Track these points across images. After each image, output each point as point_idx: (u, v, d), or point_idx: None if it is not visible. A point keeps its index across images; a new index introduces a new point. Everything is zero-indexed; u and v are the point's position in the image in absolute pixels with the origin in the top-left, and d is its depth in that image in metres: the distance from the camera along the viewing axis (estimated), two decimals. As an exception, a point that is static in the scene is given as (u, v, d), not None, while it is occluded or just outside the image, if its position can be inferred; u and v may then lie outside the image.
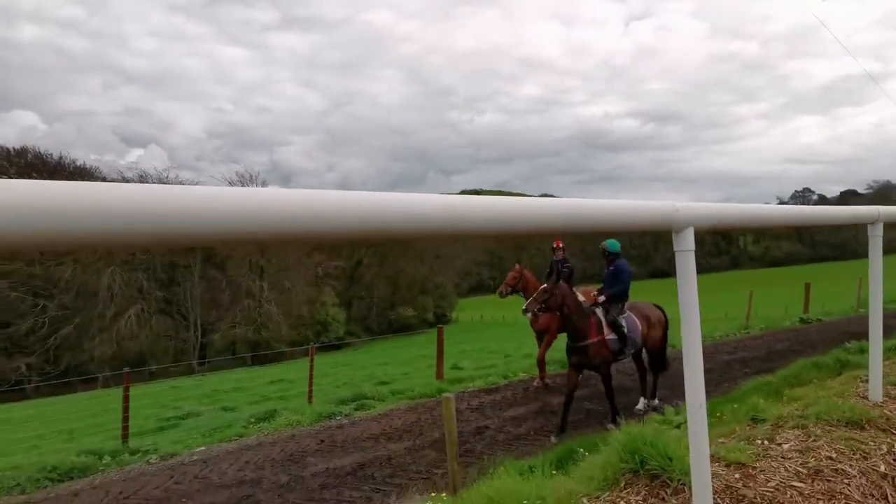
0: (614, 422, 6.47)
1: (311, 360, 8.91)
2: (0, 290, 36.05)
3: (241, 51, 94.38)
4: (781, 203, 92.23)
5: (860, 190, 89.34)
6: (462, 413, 6.87)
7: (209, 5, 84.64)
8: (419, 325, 55.76)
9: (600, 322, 6.91)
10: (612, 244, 7.47)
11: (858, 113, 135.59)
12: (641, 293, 8.10)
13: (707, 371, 2.19)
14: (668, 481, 2.13)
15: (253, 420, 6.98)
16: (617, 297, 7.14)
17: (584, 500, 2.15)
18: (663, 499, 2.09)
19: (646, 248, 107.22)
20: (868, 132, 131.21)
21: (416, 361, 15.21)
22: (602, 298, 7.09)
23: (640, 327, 7.23)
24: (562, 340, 7.82)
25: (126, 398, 6.61)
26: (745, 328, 12.77)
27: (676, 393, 6.84)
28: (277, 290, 44.02)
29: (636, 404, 7.26)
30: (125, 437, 6.48)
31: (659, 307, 7.75)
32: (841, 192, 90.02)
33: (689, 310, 1.98)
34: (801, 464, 2.26)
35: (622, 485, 2.18)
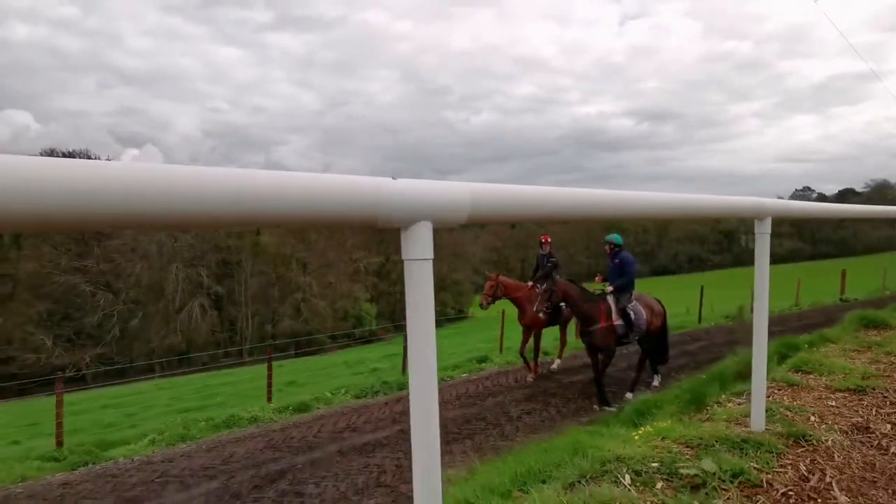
0: (599, 404, 7.08)
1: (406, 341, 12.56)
2: (75, 284, 40.26)
3: (236, 50, 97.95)
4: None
5: (858, 188, 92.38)
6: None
7: (205, 5, 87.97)
8: (441, 320, 59.72)
9: (610, 309, 7.29)
10: (617, 237, 7.69)
11: (852, 112, 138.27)
12: (646, 289, 9.01)
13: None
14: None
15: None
16: (624, 287, 7.42)
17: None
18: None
19: (650, 245, 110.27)
20: (861, 131, 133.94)
21: (465, 345, 17.53)
22: (610, 289, 7.44)
23: (646, 316, 7.55)
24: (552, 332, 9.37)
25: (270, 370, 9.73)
26: (795, 305, 16.61)
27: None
28: (321, 285, 48.17)
29: (652, 381, 7.84)
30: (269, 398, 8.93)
31: (658, 300, 8.11)
32: (839, 191, 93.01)
33: (762, 278, 2.69)
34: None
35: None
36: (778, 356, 4.49)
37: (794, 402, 3.22)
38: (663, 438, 2.76)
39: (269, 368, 9.11)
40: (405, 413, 7.21)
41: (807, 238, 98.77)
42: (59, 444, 6.69)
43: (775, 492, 2.16)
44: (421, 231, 1.19)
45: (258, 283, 46.13)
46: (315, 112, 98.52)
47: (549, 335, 10.01)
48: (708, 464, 2.33)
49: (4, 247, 42.92)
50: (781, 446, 2.53)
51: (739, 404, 3.33)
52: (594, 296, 7.40)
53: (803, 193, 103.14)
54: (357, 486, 5.04)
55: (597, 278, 8.02)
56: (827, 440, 2.63)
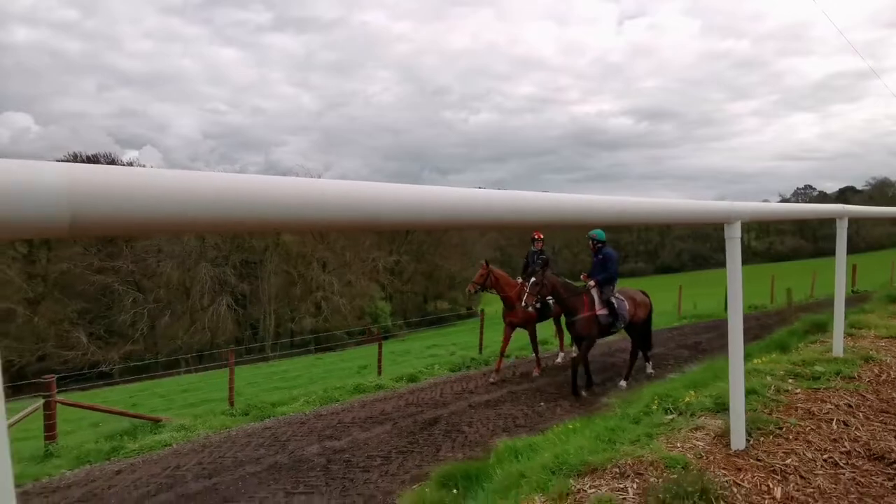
0: (583, 389, 7.57)
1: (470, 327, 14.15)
2: (107, 283, 41.77)
3: (235, 52, 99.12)
4: (783, 200, 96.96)
5: (858, 186, 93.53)
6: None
7: (204, 7, 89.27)
8: (451, 317, 61.18)
9: (593, 300, 7.70)
10: (600, 233, 8.09)
11: (850, 109, 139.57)
12: (649, 287, 9.56)
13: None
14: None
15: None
16: (607, 280, 7.85)
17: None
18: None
19: (653, 244, 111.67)
20: (860, 128, 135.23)
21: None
22: (592, 283, 7.85)
23: (628, 307, 8.00)
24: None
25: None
26: (811, 296, 18.23)
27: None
28: (341, 283, 49.73)
29: (646, 369, 8.39)
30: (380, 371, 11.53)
31: (644, 293, 8.63)
32: (840, 189, 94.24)
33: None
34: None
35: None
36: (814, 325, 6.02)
37: (856, 345, 4.70)
38: (776, 363, 4.25)
39: (380, 347, 10.75)
40: (508, 381, 8.70)
41: (808, 236, 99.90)
42: (231, 403, 8.20)
43: (863, 381, 3.64)
44: (737, 225, 2.65)
45: (280, 282, 47.70)
46: (314, 113, 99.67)
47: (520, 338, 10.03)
48: (819, 368, 3.82)
49: (35, 248, 44.31)
50: (859, 362, 4.02)
51: (817, 345, 4.83)
52: (578, 289, 7.83)
53: (805, 192, 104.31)
54: (500, 426, 6.51)
55: (582, 276, 8.28)
56: (886, 359, 4.12)
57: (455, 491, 3.35)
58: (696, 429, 2.96)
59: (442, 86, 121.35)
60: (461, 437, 6.25)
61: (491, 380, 8.57)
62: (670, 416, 3.33)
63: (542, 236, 9.24)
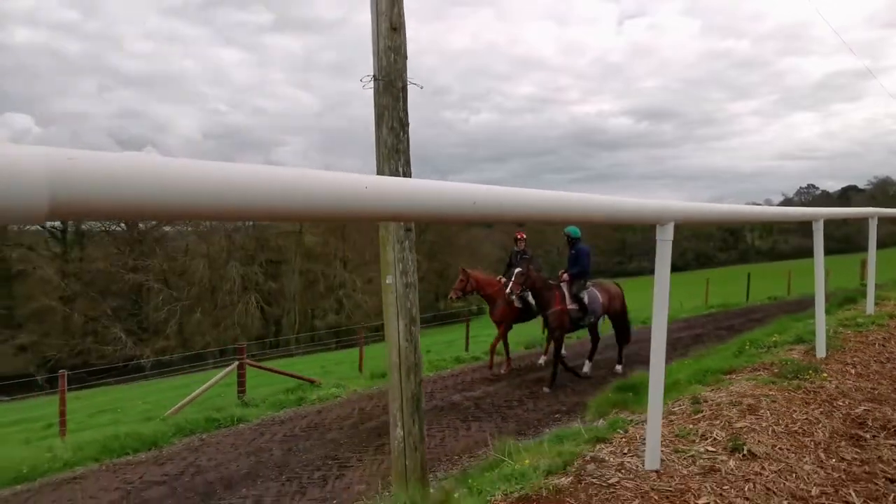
0: (550, 385, 7.85)
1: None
2: (141, 281, 43.58)
3: (236, 53, 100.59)
4: (787, 199, 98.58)
5: (860, 185, 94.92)
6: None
7: (204, 8, 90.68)
8: (463, 314, 63.05)
9: (564, 295, 8.02)
10: (574, 230, 8.37)
11: (851, 109, 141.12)
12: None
13: None
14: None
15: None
16: (579, 275, 8.13)
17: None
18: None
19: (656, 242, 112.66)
20: (861, 127, 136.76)
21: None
22: (566, 277, 8.22)
23: (602, 300, 8.31)
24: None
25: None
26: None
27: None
28: (363, 280, 51.58)
29: (583, 367, 8.49)
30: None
31: (618, 285, 9.01)
32: (842, 188, 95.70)
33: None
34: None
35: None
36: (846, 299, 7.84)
37: (882, 310, 6.48)
38: (829, 320, 6.01)
39: (467, 328, 12.41)
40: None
41: (810, 235, 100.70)
42: (360, 370, 9.97)
43: (890, 327, 5.41)
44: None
45: (303, 280, 49.51)
46: (315, 113, 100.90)
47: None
48: (860, 320, 5.60)
49: (68, 245, 46.11)
50: (886, 317, 5.80)
51: (852, 311, 6.61)
52: (552, 284, 8.19)
53: (807, 191, 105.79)
54: (599, 377, 8.25)
55: (560, 273, 8.62)
56: (907, 316, 5.91)
57: (631, 394, 5.09)
58: (790, 350, 4.74)
59: (442, 86, 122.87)
60: (578, 386, 8.01)
61: (501, 371, 9.01)
62: (764, 349, 5.10)
63: (524, 236, 9.46)
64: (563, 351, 8.42)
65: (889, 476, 2.43)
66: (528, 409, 7.05)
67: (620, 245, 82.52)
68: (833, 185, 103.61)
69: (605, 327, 9.08)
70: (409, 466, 3.44)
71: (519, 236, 9.45)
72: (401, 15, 3.32)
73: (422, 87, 3.33)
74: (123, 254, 44.35)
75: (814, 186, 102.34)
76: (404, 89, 3.34)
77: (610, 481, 2.35)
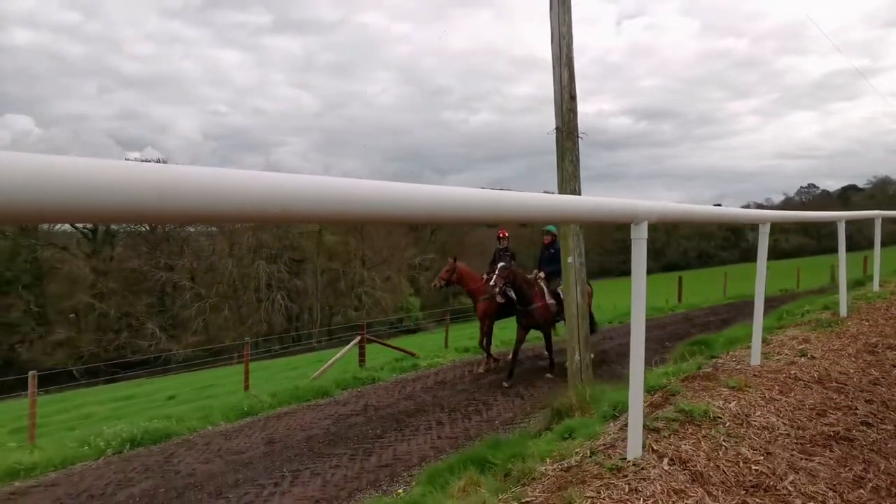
0: (551, 370, 8.40)
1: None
2: (173, 280, 45.47)
3: (236, 54, 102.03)
4: (788, 198, 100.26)
5: (860, 185, 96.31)
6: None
7: (204, 9, 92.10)
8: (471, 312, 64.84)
9: (543, 291, 8.51)
10: (553, 228, 8.65)
11: (849, 108, 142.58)
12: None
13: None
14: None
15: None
16: (556, 273, 8.45)
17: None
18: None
19: (659, 243, 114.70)
20: (859, 127, 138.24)
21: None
22: (542, 275, 8.72)
23: None
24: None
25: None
26: (832, 281, 21.98)
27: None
28: (381, 278, 53.54)
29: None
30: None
31: (589, 284, 8.80)
32: (842, 187, 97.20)
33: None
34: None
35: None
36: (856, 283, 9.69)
37: (884, 289, 8.33)
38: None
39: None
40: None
41: (812, 234, 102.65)
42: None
43: (893, 300, 7.28)
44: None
45: (325, 278, 51.42)
46: (315, 114, 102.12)
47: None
48: (868, 295, 7.47)
49: (99, 246, 47.89)
50: (888, 294, 7.67)
51: (861, 290, 8.48)
52: (531, 280, 8.65)
53: (808, 190, 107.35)
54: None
55: (535, 271, 9.08)
56: (902, 293, 7.78)
57: (703, 347, 6.96)
58: (820, 313, 6.62)
59: (441, 86, 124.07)
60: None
61: (480, 369, 9.15)
62: (799, 315, 6.96)
63: (507, 234, 9.74)
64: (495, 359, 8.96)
65: (892, 363, 4.34)
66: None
67: (622, 245, 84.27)
68: (832, 185, 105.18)
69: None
70: (584, 377, 5.30)
71: (501, 234, 9.72)
72: (575, 88, 5.18)
73: (585, 135, 5.19)
74: (154, 253, 46.20)
75: (814, 186, 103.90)
76: (577, 137, 5.20)
77: (737, 367, 4.24)
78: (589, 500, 2.22)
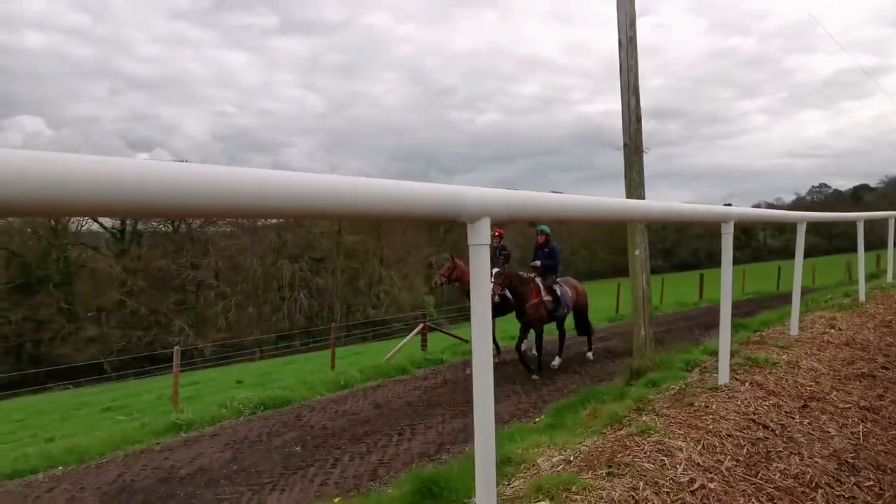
0: (539, 371, 8.41)
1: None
2: (200, 278, 46.95)
3: (243, 55, 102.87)
4: (799, 198, 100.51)
5: (872, 184, 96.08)
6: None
7: (211, 11, 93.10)
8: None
9: (539, 287, 8.54)
10: (546, 228, 8.94)
11: (859, 106, 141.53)
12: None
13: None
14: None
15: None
16: (550, 268, 8.68)
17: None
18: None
19: (670, 241, 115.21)
20: (869, 125, 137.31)
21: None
22: (538, 263, 8.79)
23: (571, 295, 8.96)
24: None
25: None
26: (849, 278, 23.14)
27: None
28: (399, 277, 54.86)
29: (552, 361, 8.98)
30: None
31: (580, 282, 9.79)
32: (854, 187, 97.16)
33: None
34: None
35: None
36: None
37: None
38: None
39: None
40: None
41: (824, 234, 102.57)
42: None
43: None
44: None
45: (345, 277, 52.79)
46: (321, 114, 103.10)
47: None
48: (883, 284, 8.57)
49: (127, 246, 49.40)
50: None
51: (876, 281, 9.58)
52: (526, 278, 8.75)
53: (819, 190, 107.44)
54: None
55: (532, 263, 9.13)
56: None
57: (740, 328, 8.08)
58: (842, 300, 7.73)
59: (447, 86, 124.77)
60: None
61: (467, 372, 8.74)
62: (823, 302, 8.07)
63: (502, 232, 9.58)
64: (523, 347, 8.76)
65: (904, 334, 5.50)
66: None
67: (618, 247, 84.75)
68: (843, 184, 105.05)
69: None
70: (649, 349, 6.44)
71: (497, 233, 9.43)
72: (640, 111, 6.33)
73: (649, 150, 6.31)
74: (181, 252, 47.70)
75: (826, 185, 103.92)
76: (643, 153, 6.34)
77: (780, 336, 5.38)
78: (702, 402, 3.38)
